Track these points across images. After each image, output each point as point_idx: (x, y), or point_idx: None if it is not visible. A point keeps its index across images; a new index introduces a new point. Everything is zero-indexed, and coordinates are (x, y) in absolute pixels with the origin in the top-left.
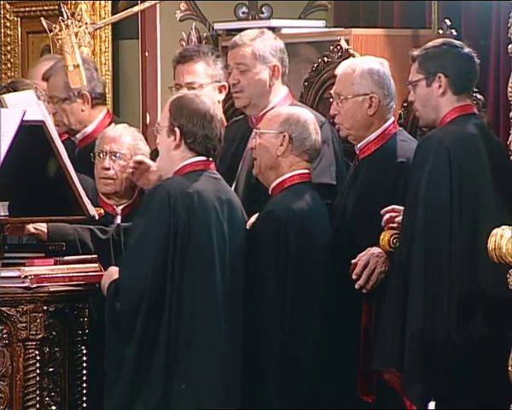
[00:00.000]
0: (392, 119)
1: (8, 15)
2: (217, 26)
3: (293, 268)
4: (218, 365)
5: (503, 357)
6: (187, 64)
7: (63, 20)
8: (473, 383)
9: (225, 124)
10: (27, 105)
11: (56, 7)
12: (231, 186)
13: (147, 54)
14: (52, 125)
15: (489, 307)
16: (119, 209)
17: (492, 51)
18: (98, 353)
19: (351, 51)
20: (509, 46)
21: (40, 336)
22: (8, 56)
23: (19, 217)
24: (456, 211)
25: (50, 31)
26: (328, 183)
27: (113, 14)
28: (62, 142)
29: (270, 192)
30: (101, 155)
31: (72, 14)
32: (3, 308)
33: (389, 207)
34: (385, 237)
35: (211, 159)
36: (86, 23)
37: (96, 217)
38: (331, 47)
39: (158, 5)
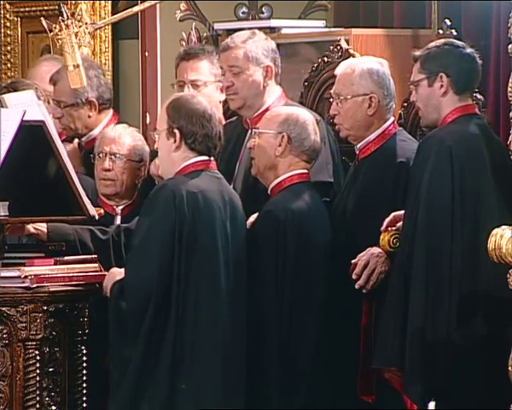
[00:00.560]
0: (392, 119)
1: (8, 15)
2: (217, 26)
3: (292, 268)
4: (222, 364)
5: (503, 357)
6: (192, 61)
7: (63, 20)
8: (473, 382)
9: (222, 123)
10: (27, 105)
11: (56, 7)
12: None
13: (147, 54)
14: (52, 125)
15: (489, 307)
16: (118, 209)
17: (492, 51)
18: (98, 353)
19: (351, 51)
20: (509, 46)
21: (40, 336)
22: (8, 56)
23: (19, 217)
24: (457, 211)
25: (50, 31)
26: (325, 180)
27: (113, 14)
28: (62, 142)
29: (269, 192)
30: (101, 156)
31: (72, 14)
32: (3, 308)
33: (390, 216)
34: (385, 237)
35: (212, 158)
36: (86, 23)
37: (96, 217)
38: (331, 47)
39: (158, 5)
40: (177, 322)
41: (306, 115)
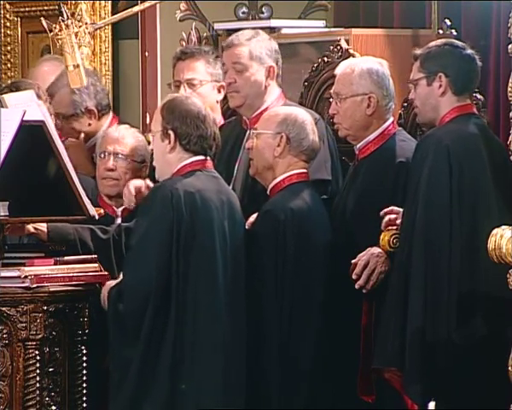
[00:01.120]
0: (392, 119)
1: (8, 15)
2: (217, 26)
3: (291, 268)
4: (222, 364)
5: (503, 357)
6: (188, 60)
7: (63, 20)
8: (473, 382)
9: (221, 123)
10: (27, 105)
11: (56, 7)
12: None
13: (147, 54)
14: (52, 125)
15: (489, 306)
16: (118, 211)
17: (492, 51)
18: (98, 353)
19: (351, 51)
20: (509, 46)
21: (40, 336)
22: (8, 56)
23: (19, 217)
24: (455, 209)
25: (50, 31)
26: (323, 178)
27: (113, 14)
28: (62, 142)
29: (268, 192)
30: (104, 156)
31: (72, 14)
32: (3, 308)
33: (388, 209)
34: (385, 237)
35: (208, 158)
36: (86, 23)
37: (96, 217)
38: (331, 47)
39: (158, 5)
40: (177, 322)
41: (305, 115)
